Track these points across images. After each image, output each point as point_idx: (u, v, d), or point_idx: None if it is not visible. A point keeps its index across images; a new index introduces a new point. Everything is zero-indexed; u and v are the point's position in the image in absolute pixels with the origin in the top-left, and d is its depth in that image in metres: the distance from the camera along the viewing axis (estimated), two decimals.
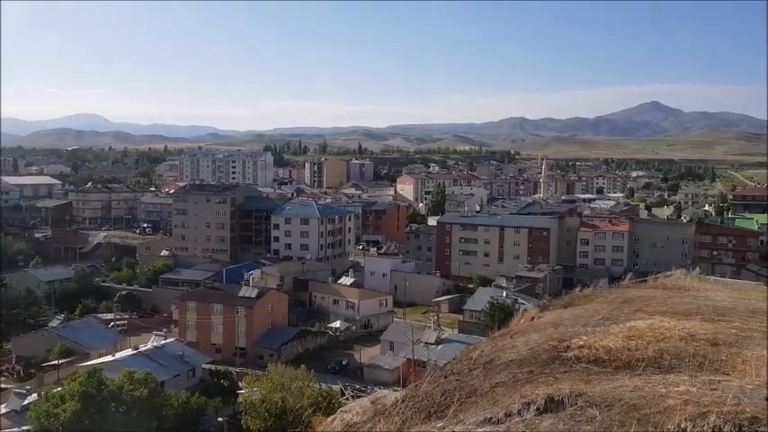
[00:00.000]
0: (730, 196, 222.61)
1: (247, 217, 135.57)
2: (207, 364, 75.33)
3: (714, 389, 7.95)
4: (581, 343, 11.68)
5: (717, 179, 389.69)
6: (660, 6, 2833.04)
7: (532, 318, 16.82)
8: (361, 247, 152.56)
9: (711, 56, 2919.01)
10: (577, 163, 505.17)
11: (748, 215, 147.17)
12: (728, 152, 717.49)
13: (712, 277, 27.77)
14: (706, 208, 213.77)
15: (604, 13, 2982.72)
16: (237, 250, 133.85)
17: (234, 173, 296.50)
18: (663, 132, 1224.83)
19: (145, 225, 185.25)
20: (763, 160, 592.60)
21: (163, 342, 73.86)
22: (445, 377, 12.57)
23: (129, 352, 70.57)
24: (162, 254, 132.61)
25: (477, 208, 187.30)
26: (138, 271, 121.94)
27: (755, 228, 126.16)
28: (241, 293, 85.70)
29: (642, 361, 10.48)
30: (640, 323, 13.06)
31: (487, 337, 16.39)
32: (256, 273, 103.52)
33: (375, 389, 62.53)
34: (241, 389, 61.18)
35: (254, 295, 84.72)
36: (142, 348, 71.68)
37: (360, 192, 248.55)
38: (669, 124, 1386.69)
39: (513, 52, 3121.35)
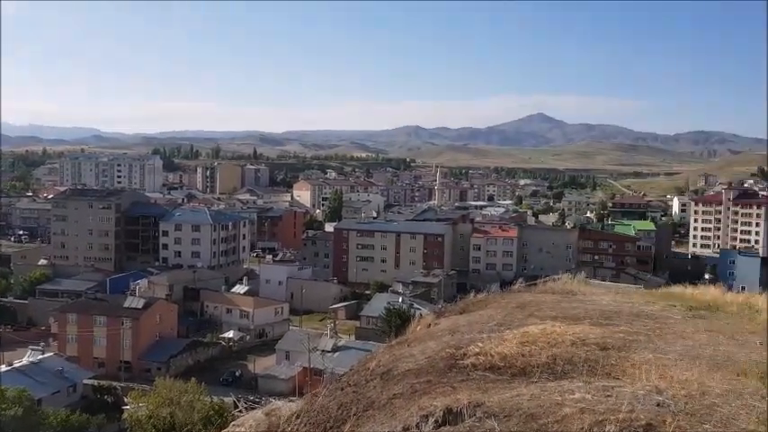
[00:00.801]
0: (610, 204, 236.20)
1: (134, 224, 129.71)
2: (89, 379, 71.24)
3: (608, 395, 8.01)
4: (477, 350, 11.62)
5: (597, 187, 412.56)
6: (545, 20, 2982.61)
7: (429, 325, 16.73)
8: (256, 254, 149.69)
9: (593, 69, 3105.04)
10: (470, 171, 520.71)
11: (626, 222, 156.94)
12: (608, 162, 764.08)
13: (595, 281, 29.10)
14: (588, 215, 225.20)
15: (494, 26, 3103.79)
16: (123, 259, 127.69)
17: (119, 177, 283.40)
18: (549, 143, 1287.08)
19: (20, 232, 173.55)
20: (639, 170, 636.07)
21: (40, 357, 69.21)
22: (341, 389, 12.15)
23: (1, 368, 65.46)
24: (40, 263, 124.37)
25: (374, 214, 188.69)
26: (12, 281, 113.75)
27: (632, 233, 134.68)
28: (126, 304, 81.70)
29: (537, 367, 10.51)
30: (533, 328, 13.22)
31: (384, 346, 16.14)
32: (143, 282, 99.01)
33: (270, 400, 61.13)
34: (126, 405, 58.12)
35: (140, 306, 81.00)
36: (17, 364, 66.77)
37: (255, 198, 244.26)
38: (554, 135, 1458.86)
39: (410, 61, 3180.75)
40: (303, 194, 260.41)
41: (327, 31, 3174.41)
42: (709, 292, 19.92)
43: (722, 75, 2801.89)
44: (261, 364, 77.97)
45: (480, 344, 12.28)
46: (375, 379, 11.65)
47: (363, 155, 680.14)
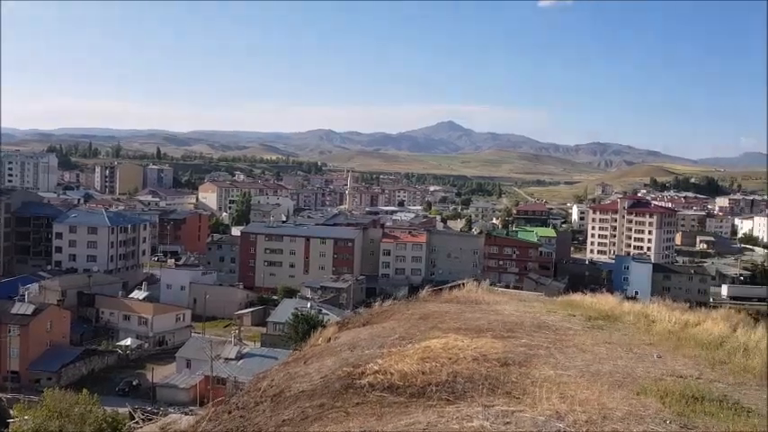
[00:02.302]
0: (514, 211, 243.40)
1: (24, 225, 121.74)
2: None
3: (507, 422, 7.56)
4: (376, 368, 11.03)
5: (503, 195, 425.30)
6: (459, 32, 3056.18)
7: (329, 338, 16.01)
8: (157, 258, 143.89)
9: (502, 81, 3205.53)
10: (381, 176, 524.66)
11: (529, 228, 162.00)
12: (513, 170, 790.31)
13: (499, 288, 29.30)
14: (494, 221, 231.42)
15: (407, 34, 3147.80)
16: (12, 262, 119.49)
17: (11, 176, 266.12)
18: (457, 150, 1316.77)
19: None
20: (542, 178, 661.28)
21: None
22: (229, 412, 11.23)
23: None
24: None
25: (284, 218, 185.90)
26: None
27: (535, 240, 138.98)
28: (14, 310, 76.16)
29: (437, 386, 10.02)
30: (435, 343, 12.79)
31: (279, 363, 15.29)
32: (34, 287, 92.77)
33: (169, 410, 58.47)
34: (12, 418, 53.98)
35: (29, 312, 75.75)
36: None
37: (157, 199, 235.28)
38: (463, 143, 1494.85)
39: (323, 64, 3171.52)
40: (209, 197, 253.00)
41: (238, 31, 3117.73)
42: (607, 302, 20.25)
43: (619, 90, 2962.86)
44: (160, 373, 74.58)
45: (380, 360, 11.69)
46: (265, 401, 10.81)
47: (273, 157, 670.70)
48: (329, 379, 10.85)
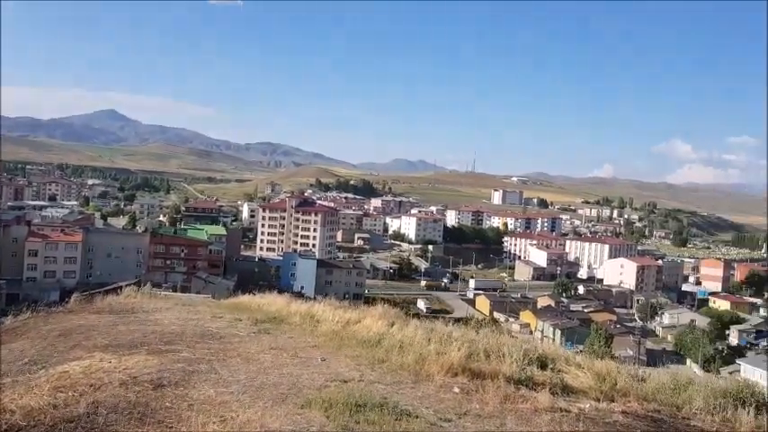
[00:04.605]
0: (183, 208, 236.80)
1: None
2: None
3: None
4: None
5: (171, 191, 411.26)
6: (114, 19, 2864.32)
7: None
8: None
9: (172, 73, 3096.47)
10: (28, 167, 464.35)
11: (199, 226, 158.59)
12: (182, 166, 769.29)
13: (163, 292, 27.26)
14: (161, 218, 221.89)
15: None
16: None
17: None
18: (121, 142, 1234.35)
19: None
20: (213, 175, 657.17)
21: None
22: None
23: None
24: None
25: None
26: None
27: (205, 238, 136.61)
28: None
29: (71, 422, 8.19)
30: (75, 366, 10.73)
31: None
32: None
33: None
34: None
35: None
36: None
37: None
38: (127, 134, 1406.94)
39: None
40: None
41: None
42: (275, 302, 19.97)
43: (292, 93, 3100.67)
44: None
45: None
46: None
47: None
48: None
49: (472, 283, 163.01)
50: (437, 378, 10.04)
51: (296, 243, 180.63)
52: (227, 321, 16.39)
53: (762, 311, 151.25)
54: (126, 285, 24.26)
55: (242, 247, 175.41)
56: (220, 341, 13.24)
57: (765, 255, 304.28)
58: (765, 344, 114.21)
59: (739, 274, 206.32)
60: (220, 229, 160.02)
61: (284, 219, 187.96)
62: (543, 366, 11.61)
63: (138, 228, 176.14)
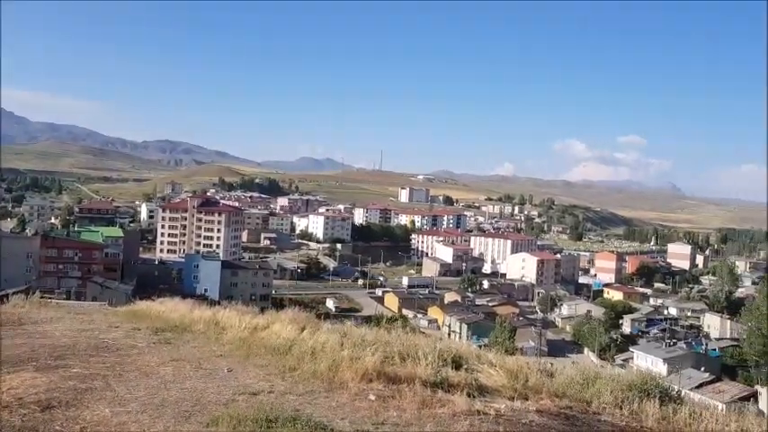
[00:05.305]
0: (77, 209, 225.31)
1: None
2: None
3: None
4: None
5: (64, 191, 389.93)
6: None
7: None
8: None
9: (61, 67, 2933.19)
10: None
11: (94, 228, 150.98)
12: (75, 165, 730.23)
13: (54, 300, 25.48)
14: (53, 221, 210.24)
15: None
16: None
17: None
18: (9, 140, 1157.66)
19: None
20: (108, 175, 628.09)
21: None
22: None
23: None
24: None
25: None
26: None
27: (101, 240, 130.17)
28: None
29: None
30: None
31: None
32: None
33: None
34: None
35: None
36: None
37: None
38: (15, 132, 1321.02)
39: None
40: None
41: None
42: (177, 309, 18.98)
43: (188, 88, 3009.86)
44: None
45: None
46: None
47: None
48: None
49: (405, 280, 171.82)
50: (352, 385, 9.69)
51: (199, 244, 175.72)
52: (124, 331, 15.40)
53: (651, 301, 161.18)
54: (13, 293, 22.52)
55: (141, 249, 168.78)
56: (117, 354, 12.34)
57: (654, 247, 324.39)
58: (656, 331, 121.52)
59: (630, 266, 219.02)
60: (117, 231, 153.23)
61: (186, 219, 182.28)
62: (458, 366, 11.52)
63: (27, 231, 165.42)
